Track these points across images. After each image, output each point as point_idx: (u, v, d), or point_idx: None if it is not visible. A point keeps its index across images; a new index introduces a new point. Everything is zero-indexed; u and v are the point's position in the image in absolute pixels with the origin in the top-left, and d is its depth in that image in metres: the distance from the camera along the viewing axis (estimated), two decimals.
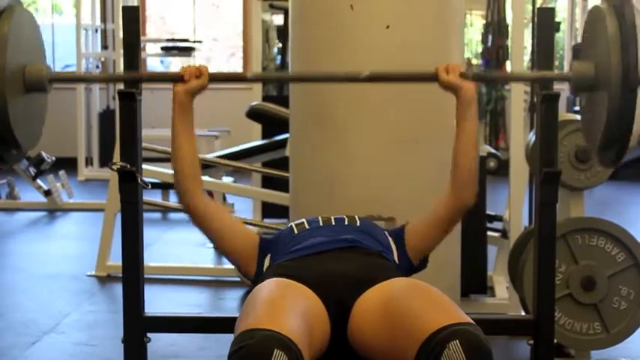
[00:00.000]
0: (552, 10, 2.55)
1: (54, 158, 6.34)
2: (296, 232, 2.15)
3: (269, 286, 1.88)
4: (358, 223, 2.19)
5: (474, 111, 2.21)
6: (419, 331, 1.68)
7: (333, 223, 2.19)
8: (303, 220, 2.23)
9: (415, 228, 2.22)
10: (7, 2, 2.16)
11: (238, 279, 4.16)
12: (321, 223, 2.19)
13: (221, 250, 2.25)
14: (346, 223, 2.18)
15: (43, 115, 2.43)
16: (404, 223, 2.27)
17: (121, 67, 4.99)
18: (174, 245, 5.04)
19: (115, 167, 2.34)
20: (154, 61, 8.47)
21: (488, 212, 3.87)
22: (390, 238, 2.21)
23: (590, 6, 7.15)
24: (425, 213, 2.22)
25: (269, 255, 2.13)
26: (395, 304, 1.82)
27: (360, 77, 2.29)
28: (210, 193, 5.36)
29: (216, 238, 2.21)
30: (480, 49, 6.45)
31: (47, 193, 6.10)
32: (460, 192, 2.16)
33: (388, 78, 2.39)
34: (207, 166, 4.31)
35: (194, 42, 7.58)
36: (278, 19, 6.67)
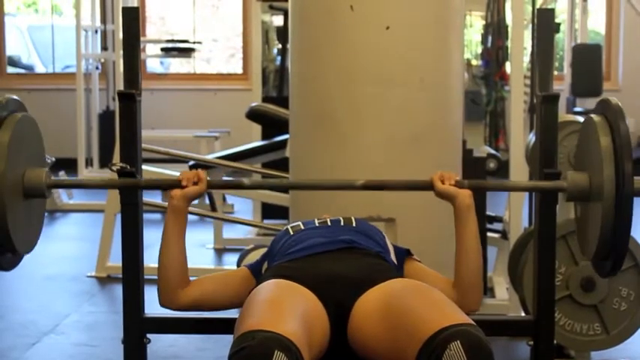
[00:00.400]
0: (552, 11, 2.56)
1: (54, 159, 6.29)
2: (292, 233, 2.15)
3: (268, 287, 1.88)
4: (354, 224, 2.20)
5: (473, 217, 2.15)
6: (419, 332, 1.68)
7: (329, 225, 2.19)
8: (299, 222, 2.24)
9: (416, 271, 2.16)
10: (10, 108, 2.18)
11: None
12: (316, 224, 2.20)
13: (237, 306, 2.13)
14: (342, 224, 2.19)
15: (41, 220, 2.43)
16: (407, 249, 2.22)
17: (120, 67, 5.00)
18: None
19: (114, 168, 2.34)
20: (153, 62, 8.47)
21: (488, 213, 3.87)
22: (387, 240, 2.20)
23: (589, 7, 7.18)
24: (436, 277, 2.14)
25: (266, 261, 2.13)
26: (395, 305, 1.82)
27: (355, 185, 2.25)
28: (209, 194, 5.40)
29: (224, 306, 2.19)
30: (479, 50, 6.48)
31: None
32: (464, 298, 2.09)
33: (383, 187, 2.33)
34: (207, 167, 4.30)
35: (194, 43, 7.59)
36: (278, 20, 6.66)
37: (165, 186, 2.41)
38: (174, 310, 2.19)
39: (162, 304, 2.17)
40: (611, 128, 2.14)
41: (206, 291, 2.16)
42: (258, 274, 2.12)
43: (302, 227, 2.19)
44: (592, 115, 2.22)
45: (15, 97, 2.28)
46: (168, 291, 2.14)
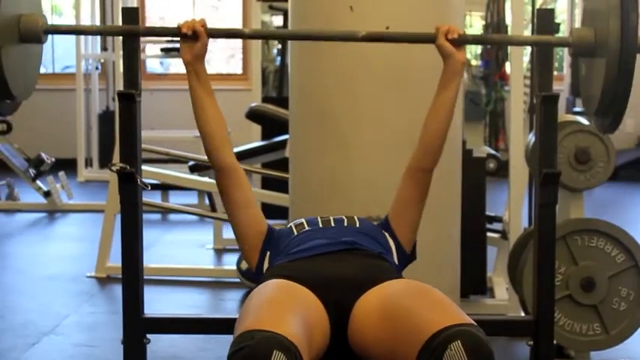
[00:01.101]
0: (552, 12, 2.56)
1: (53, 159, 6.35)
2: (295, 233, 2.16)
3: (269, 287, 1.88)
4: (358, 225, 2.20)
5: (458, 83, 2.22)
6: (420, 332, 1.68)
7: (333, 225, 2.20)
8: (302, 220, 2.24)
9: (393, 209, 2.23)
10: None
11: (238, 280, 4.17)
12: (320, 225, 2.20)
13: (233, 223, 2.24)
14: (345, 224, 2.20)
15: (37, 66, 2.43)
16: (384, 216, 2.26)
17: (120, 68, 4.96)
18: (174, 246, 5.06)
19: (114, 168, 2.36)
20: (153, 62, 8.49)
21: (487, 213, 3.88)
22: (389, 239, 2.20)
23: None
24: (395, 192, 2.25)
25: (269, 253, 2.14)
26: (395, 306, 1.83)
27: (357, 36, 2.29)
28: (209, 195, 5.39)
29: (233, 208, 2.21)
30: (479, 50, 6.47)
31: (47, 194, 6.11)
32: (424, 156, 2.19)
33: (385, 38, 2.38)
34: (206, 168, 4.31)
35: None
36: (278, 21, 6.67)
37: (167, 34, 2.43)
38: (219, 159, 2.19)
39: (213, 163, 2.21)
40: None
41: (244, 182, 2.20)
42: (267, 241, 2.16)
43: (306, 227, 2.19)
44: None
45: None
46: (216, 146, 2.17)
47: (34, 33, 2.25)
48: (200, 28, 2.19)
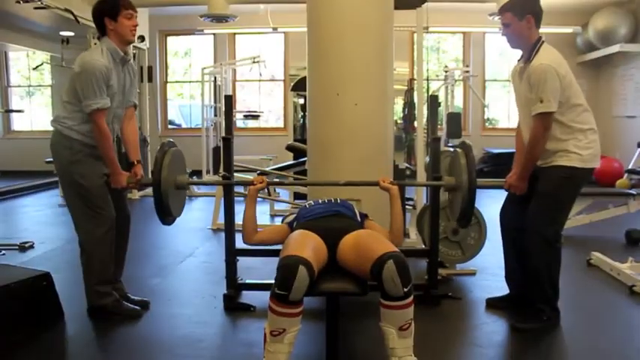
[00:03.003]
0: (436, 96, 2.70)
1: (191, 170, 6.51)
2: (307, 207, 2.20)
3: (296, 234, 1.96)
4: (339, 201, 2.23)
5: (399, 201, 2.16)
6: (372, 255, 1.75)
7: (326, 202, 2.24)
8: (311, 201, 2.29)
9: (370, 226, 2.14)
10: (169, 145, 2.33)
11: None
12: (320, 202, 2.24)
13: (280, 243, 2.11)
14: (332, 201, 2.24)
15: (184, 201, 2.53)
16: (366, 214, 2.20)
17: (223, 125, 5.03)
18: None
19: (220, 175, 2.51)
20: (239, 122, 8.55)
21: (406, 196, 3.88)
22: (356, 210, 2.20)
23: (455, 93, 7.18)
24: (381, 229, 2.14)
25: (296, 220, 2.17)
26: (360, 241, 1.89)
27: (339, 183, 2.40)
28: (267, 188, 5.54)
29: (274, 242, 2.18)
30: (401, 114, 6.61)
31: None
32: (394, 238, 2.10)
33: (354, 184, 2.40)
34: (266, 174, 4.33)
35: (259, 112, 7.76)
36: (301, 100, 6.86)
37: (246, 184, 2.45)
38: (250, 244, 2.19)
39: (244, 241, 2.19)
40: (466, 155, 2.25)
41: (265, 236, 2.17)
42: (291, 226, 2.14)
43: (312, 203, 2.22)
44: (457, 149, 2.31)
45: (171, 139, 2.42)
46: (247, 235, 2.17)
47: (183, 185, 2.38)
48: (264, 181, 2.26)
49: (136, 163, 2.45)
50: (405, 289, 1.67)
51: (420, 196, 3.82)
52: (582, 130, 2.22)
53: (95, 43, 2.60)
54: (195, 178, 6.52)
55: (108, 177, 2.34)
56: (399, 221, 2.11)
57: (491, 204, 3.71)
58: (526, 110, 2.24)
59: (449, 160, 2.86)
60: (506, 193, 2.47)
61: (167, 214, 2.29)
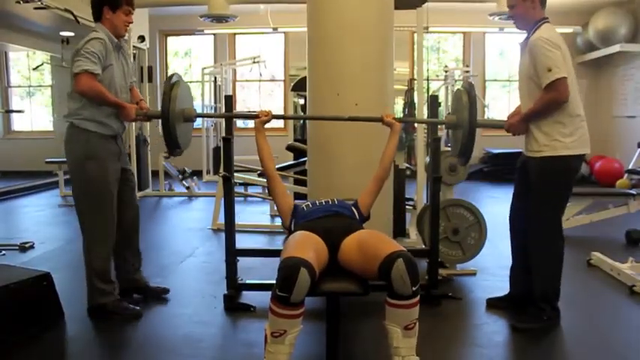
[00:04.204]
0: (437, 96, 2.67)
1: (191, 170, 6.50)
2: (305, 208, 2.16)
3: (296, 235, 1.94)
4: (337, 202, 2.22)
5: (396, 138, 2.28)
6: (379, 255, 1.73)
7: (324, 203, 2.23)
8: (308, 202, 2.26)
9: (362, 196, 2.23)
10: (175, 79, 2.31)
11: (282, 230, 4.19)
12: (317, 203, 2.23)
13: (276, 203, 2.22)
14: (330, 202, 2.23)
15: (191, 133, 2.54)
16: (356, 199, 2.27)
17: (223, 124, 5.07)
18: (250, 214, 5.11)
19: (221, 174, 2.48)
20: (238, 122, 8.54)
21: (407, 196, 3.93)
22: (354, 209, 2.21)
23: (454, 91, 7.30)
24: (365, 186, 2.25)
25: (294, 220, 2.15)
26: (363, 242, 1.87)
27: (344, 117, 2.42)
28: (268, 187, 5.51)
29: (275, 196, 2.22)
30: (401, 114, 6.60)
31: (187, 187, 6.27)
32: (383, 173, 2.23)
33: (359, 119, 2.46)
34: (264, 174, 4.43)
35: (259, 112, 7.91)
36: (301, 101, 6.87)
37: (251, 117, 2.43)
38: (266, 169, 2.24)
39: (265, 171, 2.26)
40: (468, 93, 2.27)
41: (279, 183, 2.25)
42: (294, 211, 2.16)
43: (310, 205, 2.20)
44: (460, 88, 2.35)
45: (178, 73, 2.39)
46: (264, 163, 2.25)
47: (190, 117, 2.36)
48: (269, 114, 2.31)
49: (138, 101, 2.50)
50: (414, 288, 1.68)
51: (420, 196, 3.82)
52: (570, 116, 2.23)
53: None
54: (195, 178, 6.53)
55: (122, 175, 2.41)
56: (391, 155, 2.25)
57: (491, 204, 3.71)
58: (526, 86, 2.29)
59: (449, 161, 2.90)
60: (510, 194, 2.47)
61: (175, 146, 2.29)
